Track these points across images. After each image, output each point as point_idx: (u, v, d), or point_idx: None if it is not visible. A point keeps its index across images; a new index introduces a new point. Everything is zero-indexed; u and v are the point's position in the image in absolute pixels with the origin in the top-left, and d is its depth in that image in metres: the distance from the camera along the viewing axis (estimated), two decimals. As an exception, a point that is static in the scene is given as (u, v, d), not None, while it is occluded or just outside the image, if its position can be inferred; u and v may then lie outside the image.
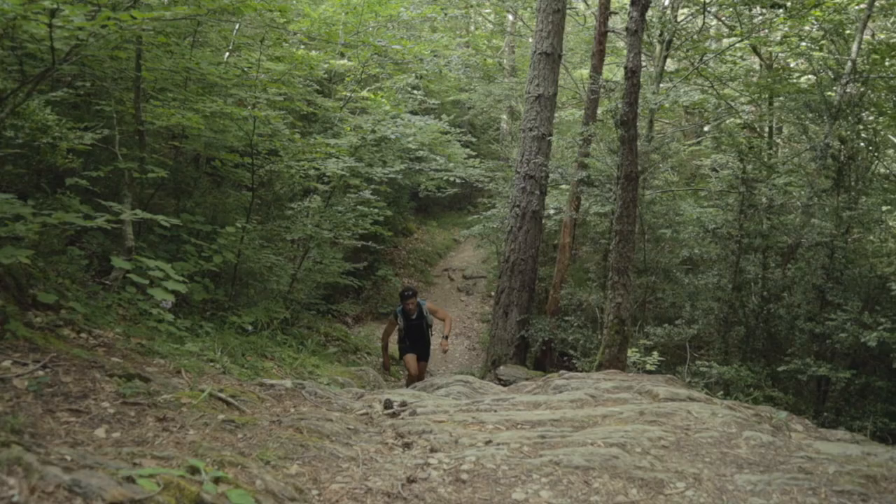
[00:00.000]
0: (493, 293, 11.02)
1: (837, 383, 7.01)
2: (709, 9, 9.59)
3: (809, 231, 7.94)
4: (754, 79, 10.64)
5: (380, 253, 12.65)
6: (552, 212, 10.36)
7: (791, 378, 7.16)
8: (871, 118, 8.22)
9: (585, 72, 12.29)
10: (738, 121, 10.57)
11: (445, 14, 14.76)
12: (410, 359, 6.82)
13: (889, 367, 6.75)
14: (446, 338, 6.81)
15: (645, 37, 9.08)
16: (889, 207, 8.05)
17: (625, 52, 6.86)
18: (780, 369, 7.07)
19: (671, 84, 9.18)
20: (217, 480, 1.48)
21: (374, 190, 7.63)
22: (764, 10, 9.28)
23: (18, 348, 2.21)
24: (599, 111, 9.90)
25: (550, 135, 9.30)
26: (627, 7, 6.36)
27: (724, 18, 10.94)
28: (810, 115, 8.77)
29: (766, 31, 9.59)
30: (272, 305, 6.07)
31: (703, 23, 10.46)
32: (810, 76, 9.26)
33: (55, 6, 2.47)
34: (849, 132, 7.95)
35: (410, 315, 6.70)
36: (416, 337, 6.86)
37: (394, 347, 7.14)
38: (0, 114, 3.33)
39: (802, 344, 7.59)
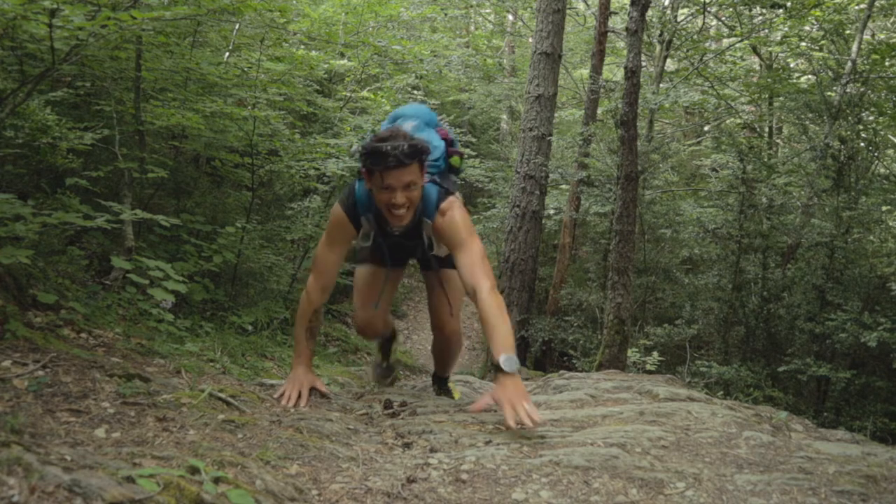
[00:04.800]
0: (493, 293, 11.00)
1: (837, 383, 7.01)
2: (709, 9, 9.59)
3: (809, 231, 7.95)
4: (754, 79, 10.64)
5: (380, 253, 12.61)
6: (552, 212, 10.36)
7: (791, 378, 7.16)
8: (871, 118, 8.22)
9: (585, 72, 12.29)
10: (738, 121, 10.57)
11: (445, 14, 14.76)
12: (365, 280, 2.99)
13: (889, 367, 6.76)
14: (499, 369, 2.30)
15: (645, 37, 9.08)
16: (889, 207, 8.05)
17: (625, 52, 6.86)
18: (780, 369, 7.08)
19: (671, 84, 9.18)
20: (217, 480, 1.48)
21: (375, 190, 7.61)
22: (764, 10, 9.28)
23: (18, 348, 2.21)
24: (599, 111, 9.90)
25: (550, 135, 9.31)
26: (627, 7, 6.36)
27: (724, 18, 10.94)
28: (810, 115, 8.77)
29: (766, 31, 9.59)
30: (272, 305, 6.07)
31: (703, 23, 10.46)
32: (810, 76, 9.26)
33: (55, 6, 2.47)
34: (849, 132, 7.95)
35: (392, 224, 2.57)
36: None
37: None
38: (0, 114, 3.33)
39: (802, 344, 7.60)
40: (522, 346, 9.06)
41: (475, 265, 2.51)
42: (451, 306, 2.98)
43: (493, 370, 2.37)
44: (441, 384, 3.37)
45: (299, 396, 2.60)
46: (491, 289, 2.47)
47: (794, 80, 9.12)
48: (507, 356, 2.31)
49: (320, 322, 2.82)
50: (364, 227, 2.68)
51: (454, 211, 2.61)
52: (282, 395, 2.59)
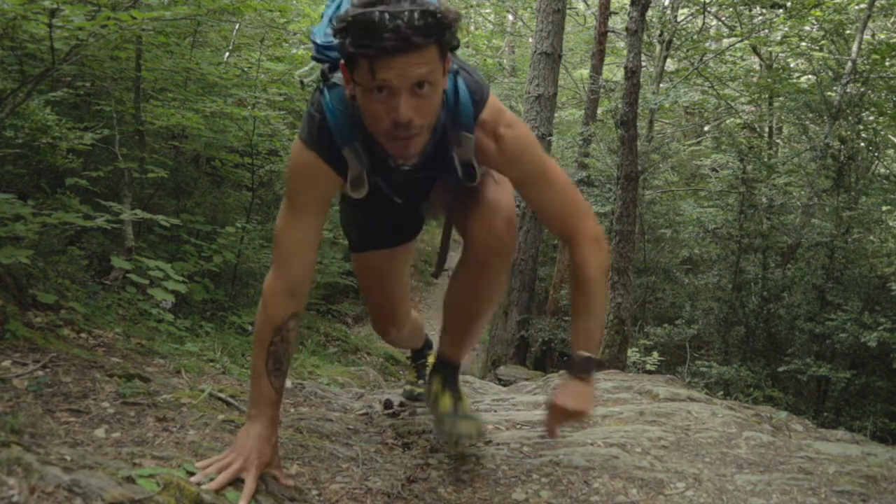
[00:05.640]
0: (493, 293, 11.01)
1: (837, 383, 7.01)
2: (709, 9, 9.59)
3: (809, 231, 7.95)
4: (754, 79, 10.65)
5: (380, 253, 12.60)
6: (552, 212, 10.35)
7: (791, 378, 7.16)
8: (871, 118, 8.22)
9: (585, 72, 12.29)
10: (738, 121, 10.57)
11: (445, 14, 14.77)
12: (377, 279, 2.05)
13: (889, 367, 6.76)
14: (570, 366, 1.68)
15: (645, 37, 9.09)
16: (889, 207, 8.06)
17: (625, 52, 6.86)
18: (780, 369, 7.08)
19: (671, 84, 9.18)
20: (217, 480, 1.48)
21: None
22: (764, 10, 9.29)
23: (18, 348, 2.21)
24: (599, 111, 9.90)
25: (550, 135, 9.30)
26: (627, 7, 6.36)
27: (724, 18, 10.95)
28: (810, 115, 8.78)
29: (766, 31, 9.60)
30: (272, 305, 6.05)
31: (703, 23, 10.47)
32: (810, 76, 9.27)
33: (55, 6, 2.47)
34: (849, 132, 7.95)
35: (396, 157, 1.48)
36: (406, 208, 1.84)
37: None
38: (0, 114, 3.33)
39: (802, 344, 7.60)
40: (522, 347, 9.06)
41: (569, 203, 1.68)
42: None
43: (566, 366, 1.70)
44: (447, 372, 2.04)
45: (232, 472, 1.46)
46: (595, 240, 1.66)
47: (794, 80, 9.12)
48: (586, 356, 1.64)
49: (291, 347, 1.63)
50: (351, 168, 1.58)
51: (510, 125, 1.62)
52: (206, 466, 1.48)
